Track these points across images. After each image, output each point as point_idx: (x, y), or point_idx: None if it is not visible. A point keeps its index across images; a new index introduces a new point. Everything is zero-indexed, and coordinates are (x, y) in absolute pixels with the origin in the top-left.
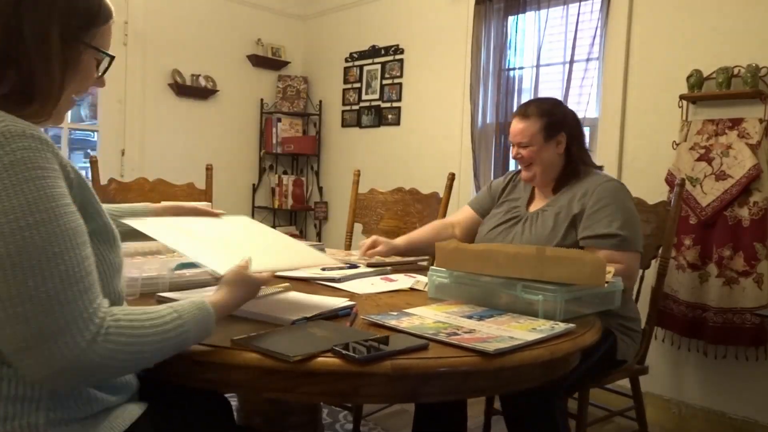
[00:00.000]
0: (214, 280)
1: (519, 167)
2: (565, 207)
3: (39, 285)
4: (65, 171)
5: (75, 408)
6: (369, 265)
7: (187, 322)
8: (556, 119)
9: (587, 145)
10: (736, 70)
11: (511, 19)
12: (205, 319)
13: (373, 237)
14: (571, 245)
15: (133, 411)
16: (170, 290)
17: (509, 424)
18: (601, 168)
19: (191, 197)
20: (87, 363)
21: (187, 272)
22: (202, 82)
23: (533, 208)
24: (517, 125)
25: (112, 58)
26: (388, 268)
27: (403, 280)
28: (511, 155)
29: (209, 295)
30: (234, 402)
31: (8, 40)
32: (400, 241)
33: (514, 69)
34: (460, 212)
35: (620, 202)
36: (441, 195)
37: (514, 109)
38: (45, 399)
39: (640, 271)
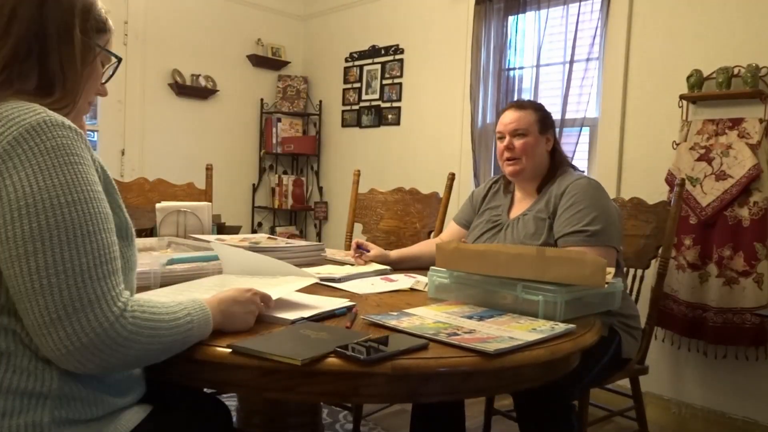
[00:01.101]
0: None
1: (499, 173)
2: (544, 208)
3: (74, 258)
4: (95, 164)
5: (81, 409)
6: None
7: (195, 321)
8: (547, 116)
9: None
10: (736, 70)
11: (511, 19)
12: (206, 325)
13: (356, 240)
14: (553, 245)
15: (138, 413)
16: (161, 285)
17: (523, 426)
18: (576, 168)
19: (191, 197)
20: (112, 338)
21: (178, 267)
22: (202, 82)
23: (514, 214)
24: (512, 114)
25: (119, 60)
26: (388, 268)
27: (403, 280)
28: (497, 152)
29: (210, 301)
30: (234, 402)
31: (34, 38)
32: (393, 253)
33: (514, 69)
34: (447, 229)
35: (591, 198)
36: (441, 195)
37: None
38: (53, 396)
39: (641, 271)
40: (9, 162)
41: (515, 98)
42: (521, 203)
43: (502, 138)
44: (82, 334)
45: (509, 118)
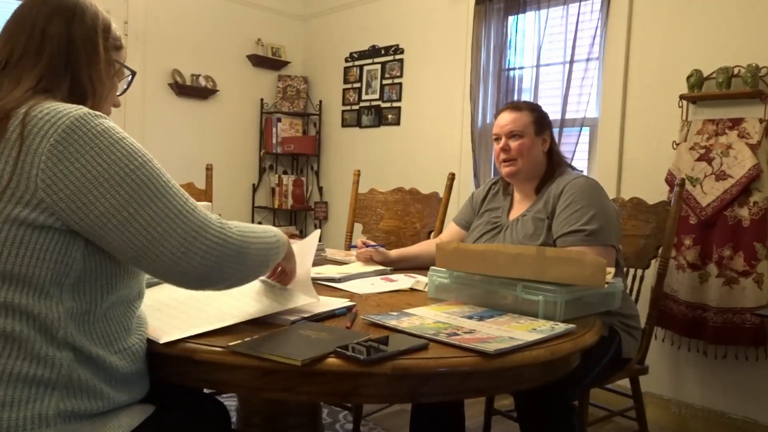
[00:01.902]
0: None
1: (497, 175)
2: (542, 209)
3: (168, 203)
4: None
5: (87, 402)
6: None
7: (279, 237)
8: (543, 116)
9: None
10: (736, 70)
11: (511, 19)
12: (284, 244)
13: (361, 240)
14: (552, 245)
15: (140, 413)
16: (147, 286)
17: (523, 426)
18: (574, 168)
19: (191, 197)
20: (235, 245)
21: None
22: (202, 82)
23: (513, 215)
24: (508, 116)
25: (134, 74)
26: (389, 268)
27: (403, 280)
28: (494, 154)
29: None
30: (234, 402)
31: (65, 55)
32: (393, 253)
33: (514, 69)
34: (447, 230)
35: (588, 197)
36: (441, 195)
37: None
38: (60, 386)
39: (641, 271)
40: (70, 148)
41: (515, 98)
42: (520, 204)
43: (498, 140)
44: (213, 250)
45: (505, 119)
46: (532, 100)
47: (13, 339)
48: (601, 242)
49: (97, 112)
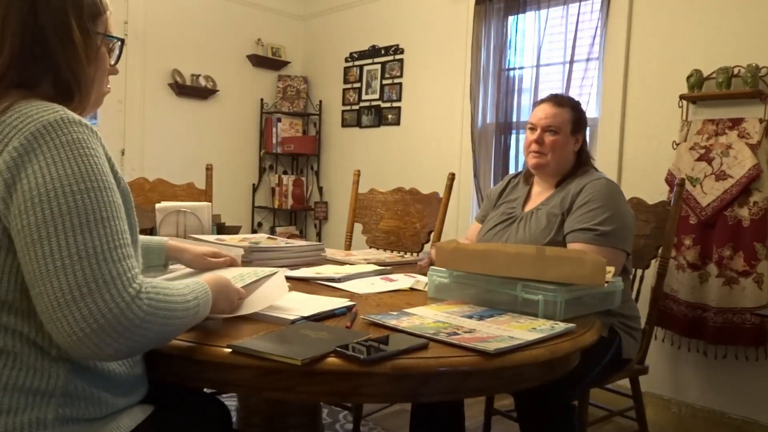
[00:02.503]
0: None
1: (519, 170)
2: (558, 204)
3: (87, 241)
4: (110, 162)
5: (85, 408)
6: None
7: (200, 304)
8: (582, 117)
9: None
10: (736, 70)
11: (511, 19)
12: (207, 307)
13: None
14: (562, 241)
15: (139, 414)
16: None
17: (523, 426)
18: (597, 170)
19: (191, 197)
20: (129, 320)
21: (178, 267)
22: (202, 82)
23: (529, 207)
24: (549, 109)
25: (122, 41)
26: (389, 268)
27: (403, 280)
28: (525, 141)
29: (209, 280)
30: (234, 402)
31: (35, 43)
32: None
33: (514, 69)
34: (471, 229)
35: (607, 199)
36: (441, 195)
37: (514, 109)
38: (58, 395)
39: (641, 271)
40: (25, 156)
41: (515, 98)
42: (538, 197)
43: (533, 129)
44: (98, 315)
45: (544, 112)
46: (532, 100)
47: (8, 352)
48: (612, 244)
49: (78, 119)
